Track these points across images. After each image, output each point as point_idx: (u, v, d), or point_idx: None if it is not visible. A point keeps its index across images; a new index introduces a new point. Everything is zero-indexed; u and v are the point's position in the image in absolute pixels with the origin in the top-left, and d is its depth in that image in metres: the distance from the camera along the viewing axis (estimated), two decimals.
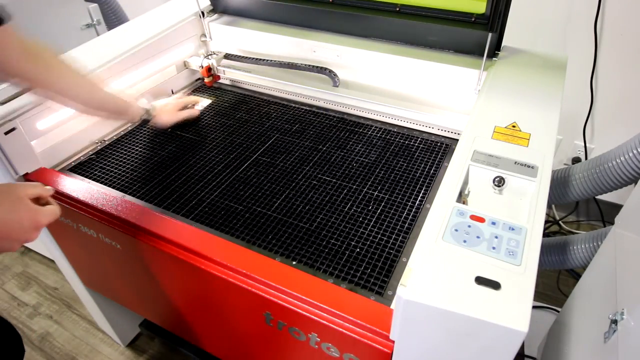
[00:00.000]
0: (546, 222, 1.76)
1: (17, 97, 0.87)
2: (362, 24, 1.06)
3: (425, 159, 0.92)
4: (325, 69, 1.08)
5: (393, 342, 0.58)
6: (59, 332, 1.42)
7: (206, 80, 1.20)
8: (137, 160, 0.96)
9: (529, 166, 0.67)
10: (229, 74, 1.21)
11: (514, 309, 0.49)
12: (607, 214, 1.67)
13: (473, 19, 0.92)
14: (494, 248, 0.56)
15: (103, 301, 1.19)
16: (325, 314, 0.62)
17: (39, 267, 1.65)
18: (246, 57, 1.17)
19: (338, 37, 1.09)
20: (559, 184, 1.08)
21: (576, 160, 1.63)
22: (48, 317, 1.47)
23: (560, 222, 1.75)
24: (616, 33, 1.35)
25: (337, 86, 1.09)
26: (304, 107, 1.11)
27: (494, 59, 0.96)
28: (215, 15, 1.23)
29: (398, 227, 0.77)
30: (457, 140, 0.96)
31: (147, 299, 0.98)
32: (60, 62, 0.78)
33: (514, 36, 1.03)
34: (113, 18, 1.89)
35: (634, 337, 0.63)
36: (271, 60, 1.13)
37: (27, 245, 1.67)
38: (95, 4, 1.78)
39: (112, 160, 0.96)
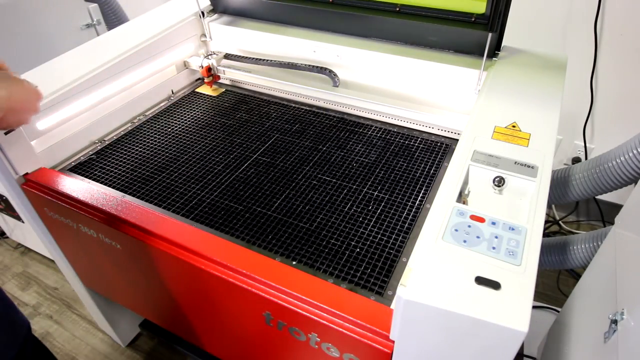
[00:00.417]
0: (546, 222, 1.76)
1: None
2: (362, 24, 1.06)
3: (425, 159, 0.92)
4: (325, 69, 1.08)
5: (393, 342, 0.58)
6: (59, 332, 1.42)
7: (206, 80, 1.20)
8: (137, 160, 0.96)
9: (529, 166, 0.67)
10: (229, 74, 1.21)
11: (514, 309, 0.49)
12: (607, 214, 1.67)
13: (473, 19, 0.92)
14: (494, 248, 0.56)
15: (103, 301, 1.19)
16: (325, 314, 0.62)
17: (39, 267, 1.65)
18: (246, 57, 1.17)
19: (338, 37, 1.09)
20: (559, 184, 1.08)
21: (576, 160, 1.63)
22: (48, 317, 1.47)
23: (560, 222, 1.75)
24: (616, 33, 1.35)
25: (337, 86, 1.09)
26: (304, 107, 1.11)
27: (494, 59, 0.96)
28: (215, 15, 1.23)
29: (398, 227, 0.77)
30: (457, 140, 0.96)
31: (147, 299, 0.98)
32: None
33: (514, 36, 1.03)
34: (113, 18, 1.89)
35: (634, 337, 0.63)
36: (271, 60, 1.13)
37: (27, 245, 1.67)
38: (95, 4, 1.78)
39: (112, 160, 0.96)
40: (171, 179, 0.90)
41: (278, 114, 1.09)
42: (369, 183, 0.87)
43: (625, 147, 0.93)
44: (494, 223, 0.59)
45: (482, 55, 0.90)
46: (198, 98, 1.19)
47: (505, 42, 0.97)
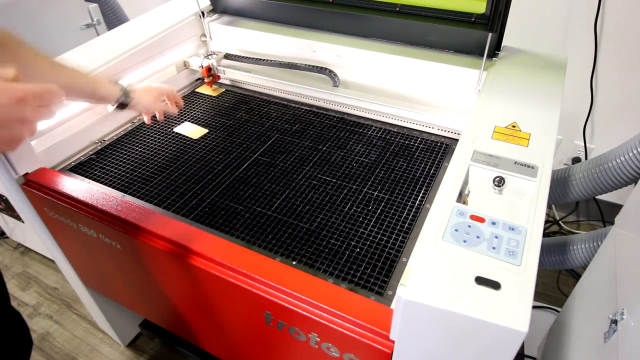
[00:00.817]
0: (546, 222, 1.76)
1: None
2: (362, 24, 1.06)
3: (425, 159, 0.92)
4: (325, 69, 1.08)
5: (393, 342, 0.58)
6: (59, 332, 1.42)
7: (206, 80, 1.20)
8: (137, 160, 0.96)
9: (529, 166, 0.67)
10: (229, 74, 1.21)
11: (514, 309, 0.49)
12: (607, 214, 1.67)
13: (473, 19, 0.92)
14: (494, 248, 0.56)
15: (103, 301, 1.19)
16: (325, 314, 0.62)
17: (39, 267, 1.65)
18: (246, 57, 1.17)
19: (338, 37, 1.09)
20: (559, 184, 1.08)
21: (576, 160, 1.63)
22: (48, 317, 1.47)
23: (560, 222, 1.75)
24: (616, 33, 1.35)
25: (337, 86, 1.09)
26: (304, 107, 1.11)
27: (494, 59, 0.96)
28: (215, 15, 1.23)
29: (398, 227, 0.77)
30: (457, 140, 0.96)
31: (147, 299, 0.98)
32: (23, 46, 0.71)
33: (514, 36, 1.03)
34: (113, 18, 1.89)
35: (634, 337, 0.63)
36: (271, 60, 1.13)
37: (27, 245, 1.67)
38: (95, 4, 1.78)
39: (112, 160, 0.96)
40: (171, 179, 0.90)
41: (278, 114, 1.09)
42: (369, 183, 0.87)
43: (625, 147, 0.93)
44: (494, 223, 0.59)
45: (482, 55, 0.90)
46: (198, 98, 1.19)
47: (505, 42, 0.97)
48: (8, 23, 1.41)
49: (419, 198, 0.83)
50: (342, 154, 0.95)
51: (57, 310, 1.49)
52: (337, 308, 0.61)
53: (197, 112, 1.12)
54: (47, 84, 0.51)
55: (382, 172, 0.89)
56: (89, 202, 0.81)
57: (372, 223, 0.78)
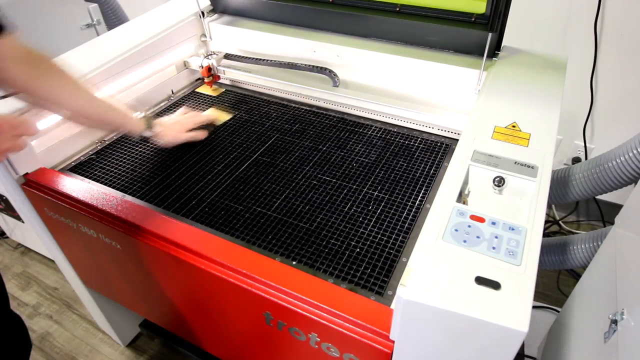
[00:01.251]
0: (546, 222, 1.76)
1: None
2: (362, 24, 1.06)
3: (425, 159, 0.92)
4: (325, 69, 1.08)
5: (393, 342, 0.58)
6: (59, 332, 1.42)
7: (206, 80, 1.20)
8: (137, 160, 0.96)
9: (529, 166, 0.67)
10: (229, 74, 1.21)
11: (514, 309, 0.49)
12: (607, 214, 1.67)
13: (473, 19, 0.92)
14: (494, 248, 0.56)
15: (103, 301, 1.19)
16: (325, 314, 0.62)
17: (39, 267, 1.65)
18: (246, 57, 1.17)
19: (338, 37, 1.09)
20: (559, 184, 1.08)
21: (576, 160, 1.63)
22: (48, 317, 1.47)
23: (560, 222, 1.75)
24: (616, 33, 1.35)
25: (337, 86, 1.09)
26: (304, 107, 1.11)
27: (494, 59, 0.96)
28: (215, 15, 1.23)
29: (398, 227, 0.77)
30: (457, 140, 0.96)
31: (147, 299, 0.98)
32: (60, 72, 0.75)
33: (514, 36, 1.03)
34: (113, 18, 1.89)
35: (634, 337, 0.63)
36: (271, 60, 1.13)
37: (27, 245, 1.67)
38: (95, 4, 1.78)
39: (112, 160, 0.96)
40: (171, 179, 0.90)
41: (278, 114, 1.09)
42: (369, 183, 0.87)
43: (625, 147, 0.93)
44: (494, 223, 0.59)
45: (482, 55, 0.90)
46: (198, 98, 1.19)
47: (505, 42, 0.97)
48: None
49: (419, 198, 0.83)
50: (342, 154, 0.95)
51: (57, 310, 1.49)
52: (337, 308, 0.61)
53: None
54: (22, 117, 0.54)
55: (382, 172, 0.89)
56: (89, 202, 0.81)
57: (372, 223, 0.78)
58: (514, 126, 0.76)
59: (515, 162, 0.68)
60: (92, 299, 1.16)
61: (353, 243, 0.74)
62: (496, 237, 0.57)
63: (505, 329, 0.48)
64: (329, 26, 1.11)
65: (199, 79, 1.27)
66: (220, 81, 1.24)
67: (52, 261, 1.63)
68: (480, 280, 0.52)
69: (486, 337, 0.51)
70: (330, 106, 1.10)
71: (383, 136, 1.00)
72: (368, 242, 0.74)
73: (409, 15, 0.98)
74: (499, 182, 0.66)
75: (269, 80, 1.15)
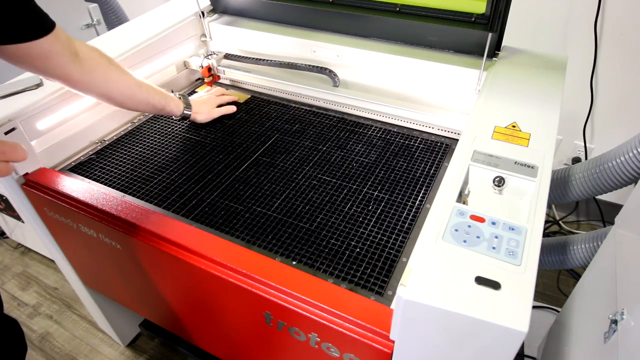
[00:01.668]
0: (546, 222, 1.76)
1: (19, 93, 0.88)
2: (362, 24, 1.06)
3: (425, 159, 0.92)
4: (325, 69, 1.08)
5: (393, 342, 0.58)
6: (59, 332, 1.42)
7: (206, 80, 1.20)
8: (137, 160, 0.96)
9: (529, 166, 0.67)
10: (229, 74, 1.21)
11: (514, 309, 0.49)
12: (607, 214, 1.67)
13: (473, 19, 0.92)
14: (494, 248, 0.56)
15: (103, 301, 1.19)
16: (325, 314, 0.62)
17: (39, 267, 1.65)
18: (246, 57, 1.17)
19: (338, 37, 1.09)
20: (559, 184, 1.08)
21: (576, 160, 1.63)
22: (48, 317, 1.47)
23: (560, 222, 1.75)
24: (616, 33, 1.35)
25: (337, 86, 1.09)
26: (304, 107, 1.11)
27: (494, 59, 0.96)
28: (215, 15, 1.23)
29: (398, 227, 0.77)
30: (457, 140, 0.96)
31: (147, 299, 0.98)
32: (107, 63, 0.80)
33: (514, 36, 1.03)
34: (113, 18, 1.89)
35: (634, 337, 0.63)
36: (271, 60, 1.13)
37: (27, 245, 1.67)
38: (95, 4, 1.79)
39: (112, 160, 0.96)
40: (171, 179, 0.90)
41: (278, 114, 1.09)
42: (369, 183, 0.87)
43: (625, 147, 0.93)
44: (494, 223, 0.59)
45: (482, 55, 0.90)
46: None
47: (505, 42, 0.97)
48: None
49: (419, 198, 0.83)
50: (342, 154, 0.95)
51: (57, 310, 1.49)
52: (337, 308, 0.61)
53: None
54: (14, 142, 0.56)
55: (382, 172, 0.89)
56: (89, 202, 0.81)
57: (372, 223, 0.78)
58: (514, 126, 0.76)
59: (515, 162, 0.68)
60: (92, 299, 1.16)
61: (353, 243, 0.74)
62: (496, 237, 0.57)
63: (505, 329, 0.48)
64: (329, 26, 1.11)
65: (199, 79, 1.27)
66: (220, 81, 1.24)
67: (52, 261, 1.63)
68: (480, 280, 0.52)
69: (486, 337, 0.51)
70: (330, 106, 1.10)
71: (383, 136, 1.00)
72: (368, 242, 0.74)
73: (409, 15, 0.98)
74: (499, 182, 0.66)
75: (269, 80, 1.15)
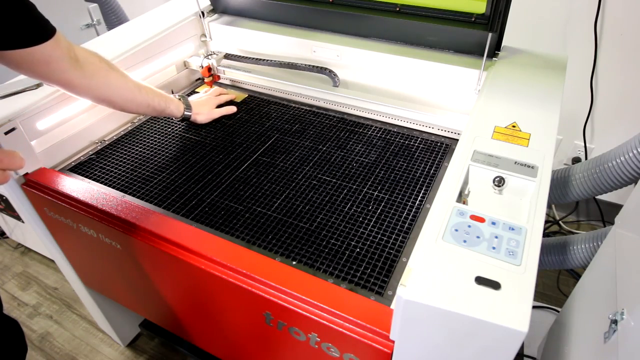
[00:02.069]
0: (546, 222, 1.76)
1: (19, 93, 0.88)
2: (362, 24, 1.06)
3: (425, 159, 0.92)
4: (325, 69, 1.08)
5: (393, 342, 0.58)
6: (59, 332, 1.42)
7: (206, 80, 1.20)
8: (137, 160, 0.96)
9: (529, 166, 0.67)
10: (229, 74, 1.21)
11: (514, 309, 0.49)
12: (607, 214, 1.67)
13: (473, 19, 0.92)
14: (494, 248, 0.56)
15: (103, 301, 1.19)
16: (325, 314, 0.62)
17: (39, 267, 1.65)
18: (246, 57, 1.17)
19: (338, 37, 1.09)
20: (559, 184, 1.08)
21: (576, 160, 1.63)
22: (48, 317, 1.47)
23: (560, 222, 1.75)
24: (616, 33, 1.35)
25: (337, 86, 1.09)
26: (304, 107, 1.11)
27: (494, 59, 0.96)
28: (215, 15, 1.23)
29: (398, 227, 0.77)
30: (457, 140, 0.96)
31: (147, 299, 0.98)
32: (108, 67, 0.80)
33: (514, 36, 1.03)
34: (113, 18, 1.89)
35: (634, 337, 0.63)
36: (271, 60, 1.13)
37: (27, 245, 1.67)
38: (95, 4, 1.78)
39: (112, 160, 0.96)
40: (171, 179, 0.90)
41: (278, 114, 1.09)
42: (369, 183, 0.87)
43: (625, 147, 0.93)
44: (494, 223, 0.59)
45: (482, 55, 0.90)
46: None
47: (505, 42, 0.97)
48: None
49: (419, 198, 0.83)
50: (342, 154, 0.95)
51: (57, 310, 1.49)
52: (337, 308, 0.61)
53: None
54: (11, 150, 0.56)
55: (382, 172, 0.89)
56: (89, 202, 0.81)
57: (372, 223, 0.78)
58: (514, 126, 0.76)
59: (515, 162, 0.68)
60: (92, 299, 1.16)
61: (353, 243, 0.74)
62: (496, 237, 0.57)
63: (505, 329, 0.48)
64: (329, 26, 1.11)
65: (199, 79, 1.27)
66: (220, 81, 1.24)
67: (52, 261, 1.63)
68: (480, 280, 0.52)
69: (486, 337, 0.51)
70: (330, 106, 1.10)
71: (383, 136, 1.00)
72: (368, 242, 0.74)
73: (409, 15, 0.98)
74: (499, 182, 0.66)
75: (269, 80, 1.15)
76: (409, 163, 0.91)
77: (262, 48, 1.18)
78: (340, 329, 0.60)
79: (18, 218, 1.42)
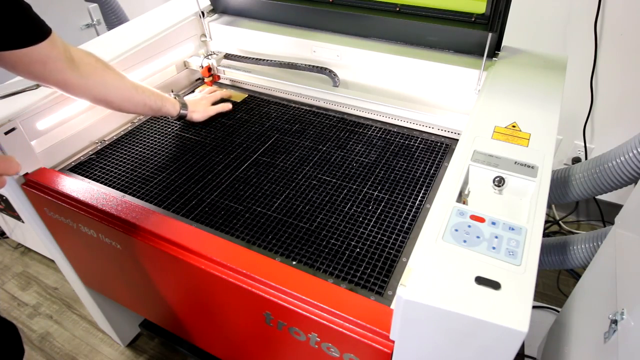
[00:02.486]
0: (546, 222, 1.76)
1: (19, 93, 0.88)
2: (362, 24, 1.06)
3: (425, 159, 0.92)
4: (325, 69, 1.08)
5: (393, 342, 0.58)
6: (59, 332, 1.42)
7: (206, 80, 1.20)
8: (137, 160, 0.96)
9: (529, 166, 0.67)
10: (229, 74, 1.21)
11: (514, 309, 0.49)
12: (607, 214, 1.67)
13: (473, 19, 0.92)
14: (494, 248, 0.56)
15: (103, 301, 1.19)
16: (325, 314, 0.62)
17: (39, 267, 1.65)
18: (246, 57, 1.17)
19: (338, 37, 1.09)
20: (559, 184, 1.08)
21: (576, 160, 1.63)
22: (48, 317, 1.47)
23: (560, 222, 1.75)
24: (616, 33, 1.35)
25: (337, 86, 1.09)
26: (304, 107, 1.11)
27: (494, 59, 0.96)
28: (215, 15, 1.23)
29: (398, 227, 0.77)
30: (457, 140, 0.96)
31: (147, 299, 0.98)
32: (104, 67, 0.80)
33: (514, 36, 1.03)
34: (113, 18, 1.89)
35: (634, 337, 0.63)
36: (271, 60, 1.13)
37: (27, 245, 1.67)
38: (95, 4, 1.78)
39: (112, 160, 0.96)
40: (171, 179, 0.90)
41: (278, 114, 1.09)
42: (369, 183, 0.87)
43: (625, 147, 0.93)
44: (494, 223, 0.59)
45: (482, 55, 0.90)
46: None
47: (505, 42, 0.97)
48: None
49: (419, 198, 0.83)
50: (342, 154, 0.95)
51: (57, 310, 1.49)
52: (337, 308, 0.61)
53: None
54: (7, 156, 0.55)
55: (382, 172, 0.89)
56: (89, 202, 0.81)
57: (372, 223, 0.78)
58: (514, 126, 0.76)
59: (515, 162, 0.68)
60: (92, 299, 1.16)
61: (353, 243, 0.74)
62: (496, 237, 0.57)
63: (505, 329, 0.48)
64: (329, 26, 1.11)
65: (199, 79, 1.27)
66: (220, 81, 1.24)
67: (52, 261, 1.63)
68: (480, 280, 0.52)
69: (486, 337, 0.51)
70: (330, 106, 1.10)
71: (383, 136, 1.00)
72: (368, 242, 0.74)
73: (409, 15, 0.98)
74: (499, 182, 0.66)
75: (269, 80, 1.15)
76: (409, 163, 0.91)
77: (262, 48, 1.18)
78: (340, 329, 0.60)
79: (18, 218, 1.42)
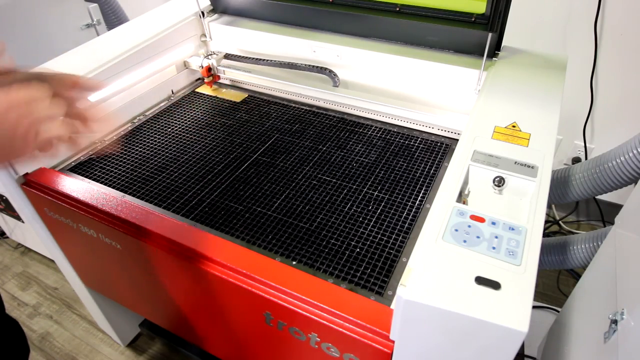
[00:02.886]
0: (546, 222, 1.76)
1: None
2: (362, 24, 1.06)
3: (425, 159, 0.92)
4: (325, 69, 1.08)
5: (393, 342, 0.58)
6: (59, 332, 1.42)
7: (206, 80, 1.20)
8: (137, 160, 0.96)
9: (529, 166, 0.67)
10: (229, 74, 1.21)
11: (514, 309, 0.49)
12: (607, 214, 1.67)
13: (473, 19, 0.92)
14: (494, 248, 0.56)
15: (103, 301, 1.19)
16: (325, 314, 0.62)
17: (39, 267, 1.65)
18: (246, 57, 1.17)
19: (338, 37, 1.09)
20: (559, 184, 1.08)
21: (576, 160, 1.63)
22: (48, 317, 1.47)
23: (560, 222, 1.75)
24: (616, 33, 1.35)
25: (337, 86, 1.09)
26: (304, 107, 1.11)
27: (494, 59, 0.96)
28: (215, 15, 1.23)
29: (398, 227, 0.77)
30: (457, 140, 0.96)
31: (147, 299, 0.98)
32: None
33: (514, 36, 1.03)
34: (113, 18, 1.89)
35: (634, 337, 0.63)
36: (271, 60, 1.13)
37: (27, 245, 1.67)
38: (95, 4, 1.78)
39: (112, 160, 0.96)
40: (171, 179, 0.90)
41: (278, 114, 1.09)
42: (369, 183, 0.87)
43: (625, 147, 0.93)
44: (494, 223, 0.59)
45: (482, 55, 0.90)
46: (198, 98, 1.19)
47: (505, 42, 0.97)
48: (8, 23, 1.41)
49: (419, 198, 0.83)
50: (342, 154, 0.95)
51: (57, 310, 1.49)
52: (337, 308, 0.61)
53: (197, 112, 1.12)
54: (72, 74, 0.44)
55: (382, 172, 0.89)
56: (89, 202, 0.81)
57: (372, 223, 0.78)
58: (514, 126, 0.76)
59: (515, 162, 0.68)
60: (92, 299, 1.16)
61: (353, 243, 0.74)
62: (496, 237, 0.57)
63: (505, 329, 0.48)
64: (329, 26, 1.11)
65: (199, 79, 1.27)
66: (220, 81, 1.24)
67: (52, 261, 1.63)
68: (480, 280, 0.52)
69: (486, 337, 0.51)
70: (330, 106, 1.10)
71: (383, 136, 1.00)
72: (368, 242, 0.74)
73: (409, 15, 0.98)
74: (499, 182, 0.66)
75: (269, 80, 1.15)
76: (409, 163, 0.91)
77: (262, 48, 1.18)
78: (340, 329, 0.60)
79: (18, 218, 1.42)
